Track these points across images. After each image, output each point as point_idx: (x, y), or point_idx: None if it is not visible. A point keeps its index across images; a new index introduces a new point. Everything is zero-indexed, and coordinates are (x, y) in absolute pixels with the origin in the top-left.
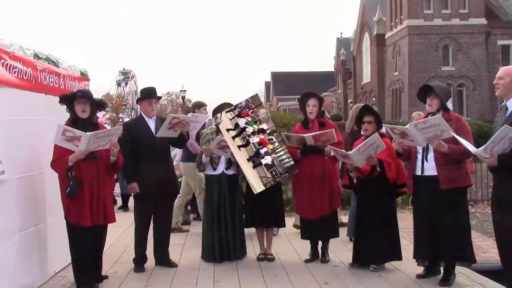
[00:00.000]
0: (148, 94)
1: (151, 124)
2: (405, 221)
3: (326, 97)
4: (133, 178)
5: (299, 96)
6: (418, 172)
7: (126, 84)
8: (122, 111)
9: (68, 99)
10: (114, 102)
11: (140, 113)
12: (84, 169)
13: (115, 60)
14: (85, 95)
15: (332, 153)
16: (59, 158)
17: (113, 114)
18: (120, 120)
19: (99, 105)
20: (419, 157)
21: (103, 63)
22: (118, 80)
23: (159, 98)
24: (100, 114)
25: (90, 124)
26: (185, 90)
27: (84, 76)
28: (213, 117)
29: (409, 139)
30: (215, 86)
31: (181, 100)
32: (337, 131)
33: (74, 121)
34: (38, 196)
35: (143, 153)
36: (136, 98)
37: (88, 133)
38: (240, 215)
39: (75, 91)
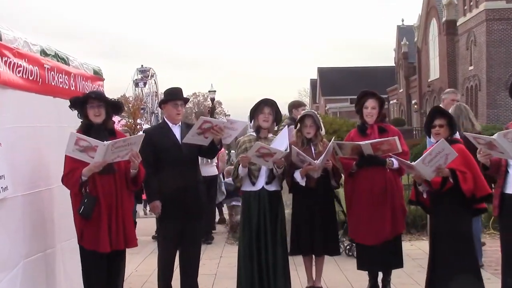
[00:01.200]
0: (173, 96)
1: (176, 131)
2: (485, 248)
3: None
4: (155, 195)
5: (351, 97)
6: (509, 190)
7: (145, 84)
8: (141, 116)
9: (79, 102)
10: (131, 105)
11: (163, 119)
12: (100, 184)
13: (132, 56)
14: (99, 96)
15: (395, 165)
16: (71, 172)
17: (130, 120)
18: (138, 127)
19: (115, 107)
20: (511, 171)
21: (117, 59)
22: (136, 79)
23: (186, 100)
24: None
25: (106, 131)
26: (214, 91)
27: (97, 75)
28: (250, 123)
29: (498, 151)
30: (250, 86)
31: (209, 102)
32: (401, 138)
33: (87, 128)
34: (46, 216)
35: (167, 165)
36: (158, 101)
37: (105, 142)
38: (284, 240)
39: (87, 92)
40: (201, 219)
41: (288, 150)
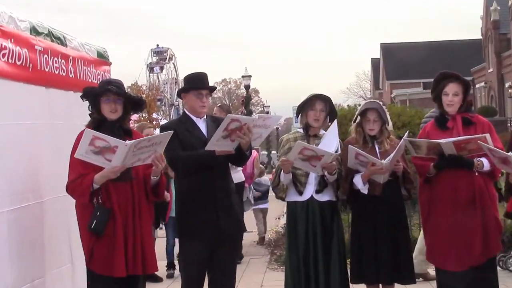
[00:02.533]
0: (197, 83)
1: (202, 125)
2: None
3: None
4: (209, 153)
5: (425, 80)
6: None
7: (161, 68)
8: (157, 109)
9: (93, 94)
10: (144, 96)
11: (183, 111)
12: (115, 194)
13: (145, 33)
14: (119, 89)
15: (486, 167)
16: (80, 178)
17: (144, 115)
18: (154, 123)
19: (136, 104)
20: None
21: (127, 38)
22: (150, 63)
23: (213, 88)
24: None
25: (121, 130)
26: (249, 76)
27: (103, 59)
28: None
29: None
30: (292, 71)
31: (243, 91)
32: (492, 133)
33: (98, 125)
34: (36, 238)
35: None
36: (178, 90)
37: (127, 142)
38: (342, 265)
39: (104, 82)
40: (236, 241)
41: (339, 151)
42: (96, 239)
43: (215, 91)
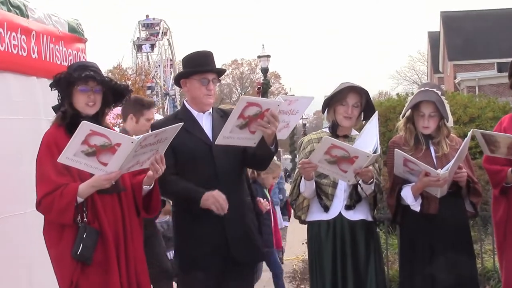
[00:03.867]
0: (201, 64)
1: (206, 123)
2: None
3: None
4: (199, 190)
5: (500, 60)
6: None
7: (152, 47)
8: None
9: (65, 82)
10: (130, 83)
11: (183, 104)
12: (102, 209)
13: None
14: (98, 75)
15: None
16: (59, 191)
17: None
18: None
19: (119, 94)
20: None
21: (106, 7)
22: (138, 39)
23: (221, 72)
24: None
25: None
26: (267, 56)
27: (76, 34)
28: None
29: None
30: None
31: (259, 75)
32: None
33: (69, 121)
34: (17, 259)
35: (191, 180)
36: (175, 75)
37: (135, 137)
38: None
39: (76, 66)
40: (251, 273)
41: (379, 152)
42: (81, 268)
43: (223, 75)
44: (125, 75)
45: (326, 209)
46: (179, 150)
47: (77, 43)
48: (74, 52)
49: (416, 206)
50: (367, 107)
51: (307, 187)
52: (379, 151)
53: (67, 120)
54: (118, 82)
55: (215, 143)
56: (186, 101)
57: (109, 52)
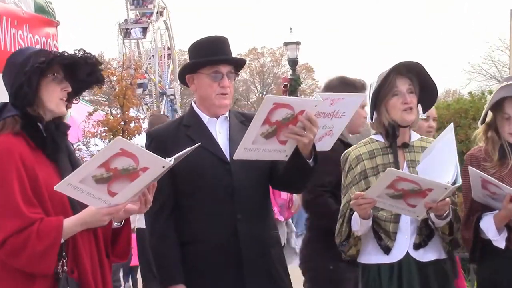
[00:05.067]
0: (212, 53)
1: (221, 131)
2: None
3: None
4: (177, 275)
5: None
6: None
7: (144, 31)
8: (137, 101)
9: (36, 69)
10: (116, 78)
11: (191, 106)
12: (84, 252)
13: None
14: (71, 57)
15: None
16: (33, 228)
17: (115, 111)
18: (132, 125)
19: (83, 82)
20: None
21: None
22: (125, 21)
23: (240, 63)
24: (79, 111)
25: (60, 131)
26: (297, 43)
27: (45, 16)
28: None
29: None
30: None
31: (285, 68)
32: None
33: (33, 126)
34: None
35: (200, 209)
36: (180, 68)
37: (168, 159)
38: None
39: (38, 52)
40: None
41: (460, 181)
42: None
43: (241, 69)
44: (108, 69)
45: (388, 251)
46: (182, 169)
47: (46, 27)
48: (42, 39)
49: (500, 242)
50: (424, 89)
51: (362, 226)
52: (460, 181)
53: (25, 122)
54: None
55: (234, 157)
56: (195, 102)
57: (88, 39)
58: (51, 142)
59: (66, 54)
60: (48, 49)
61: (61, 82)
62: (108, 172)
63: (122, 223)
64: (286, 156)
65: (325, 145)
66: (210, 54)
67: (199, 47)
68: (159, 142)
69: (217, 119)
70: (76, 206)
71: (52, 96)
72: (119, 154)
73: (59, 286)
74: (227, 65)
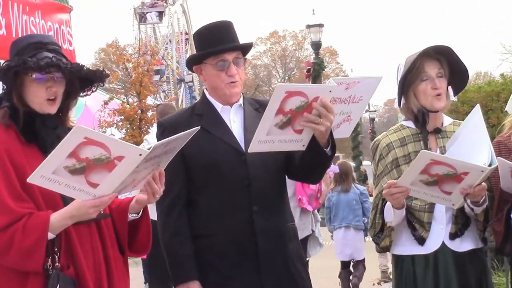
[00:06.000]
0: (215, 41)
1: (235, 119)
2: None
3: None
4: (191, 271)
5: None
6: None
7: (160, 15)
8: (154, 89)
9: (12, 69)
10: (131, 65)
11: (203, 94)
12: (80, 247)
13: None
14: (62, 61)
15: None
16: (19, 223)
17: (132, 99)
18: (150, 114)
19: (88, 80)
20: None
21: None
22: (142, 4)
23: (246, 48)
24: (94, 100)
25: (62, 132)
26: (320, 25)
27: (58, 2)
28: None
29: None
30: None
31: (308, 52)
32: None
33: (25, 125)
34: None
35: (213, 202)
36: (187, 58)
37: (143, 147)
38: None
39: (27, 43)
40: None
41: (495, 162)
42: None
43: (247, 55)
44: (124, 56)
45: (422, 241)
46: (196, 161)
47: (59, 13)
48: (55, 26)
49: None
50: (452, 76)
51: (395, 216)
52: (496, 163)
53: (21, 119)
54: (85, 66)
55: (249, 151)
56: (206, 91)
57: (103, 24)
58: (41, 136)
59: (66, 66)
60: (38, 44)
61: (49, 84)
62: (80, 163)
63: (140, 214)
64: (303, 146)
65: (344, 131)
66: (214, 43)
67: (203, 35)
68: (172, 131)
69: (231, 107)
70: (68, 200)
71: (36, 96)
72: (85, 143)
73: (49, 283)
74: (232, 51)
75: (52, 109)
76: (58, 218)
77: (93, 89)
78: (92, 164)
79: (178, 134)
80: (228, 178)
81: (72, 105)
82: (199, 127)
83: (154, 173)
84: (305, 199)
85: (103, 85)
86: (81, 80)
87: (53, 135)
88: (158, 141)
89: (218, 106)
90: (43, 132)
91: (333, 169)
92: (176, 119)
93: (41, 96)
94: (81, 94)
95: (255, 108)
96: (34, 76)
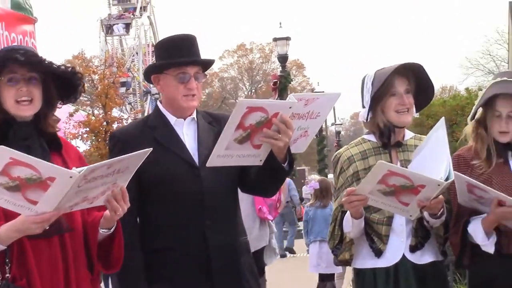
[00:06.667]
0: (177, 53)
1: (188, 132)
2: None
3: None
4: (138, 286)
5: None
6: None
7: (127, 27)
8: (120, 101)
9: None
10: (97, 77)
11: (156, 107)
12: (34, 259)
13: None
14: (30, 57)
15: None
16: None
17: (97, 111)
18: (116, 125)
19: (67, 85)
20: None
21: None
22: (108, 17)
23: (208, 63)
24: (59, 111)
25: (41, 138)
26: (287, 38)
27: (22, 13)
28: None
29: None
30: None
31: (275, 65)
32: None
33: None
34: None
35: (167, 216)
36: (145, 68)
37: (74, 169)
38: None
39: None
40: None
41: (453, 176)
42: None
43: (207, 70)
44: (90, 67)
45: (379, 254)
46: (149, 175)
47: (23, 24)
48: (19, 37)
49: (489, 247)
50: (420, 89)
51: (354, 226)
52: (453, 177)
53: None
54: (60, 65)
55: (207, 165)
56: (161, 102)
57: (69, 37)
58: (14, 147)
59: (38, 61)
60: (17, 48)
61: (23, 85)
62: (13, 181)
63: (113, 230)
64: (261, 161)
65: (300, 147)
66: (177, 54)
67: (166, 46)
68: (123, 144)
69: (184, 120)
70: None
71: (8, 98)
72: (12, 163)
73: None
74: (194, 66)
75: (26, 112)
76: (5, 230)
77: (75, 97)
78: (25, 183)
79: (123, 156)
80: (181, 192)
81: (52, 112)
82: (151, 149)
83: (114, 191)
84: (265, 209)
85: (81, 95)
86: (59, 86)
87: (22, 146)
88: (111, 153)
89: (171, 119)
90: (13, 143)
91: (314, 185)
92: (128, 132)
93: (11, 97)
94: (60, 102)
95: (209, 122)
96: (6, 79)
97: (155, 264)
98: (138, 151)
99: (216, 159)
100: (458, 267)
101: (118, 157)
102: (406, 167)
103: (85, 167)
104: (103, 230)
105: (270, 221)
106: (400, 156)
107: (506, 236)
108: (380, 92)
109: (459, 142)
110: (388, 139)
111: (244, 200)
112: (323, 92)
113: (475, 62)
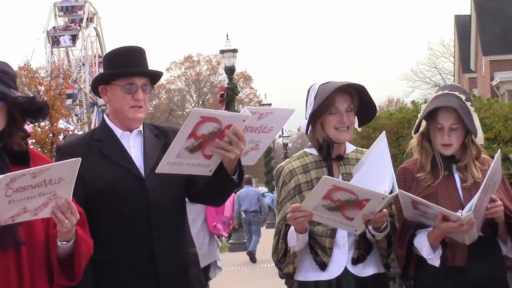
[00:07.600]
0: (125, 64)
1: (134, 145)
2: None
3: None
4: None
5: None
6: None
7: (73, 39)
8: (66, 112)
9: None
10: (43, 89)
11: (103, 120)
12: None
13: None
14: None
15: None
16: None
17: (42, 122)
18: (62, 137)
19: (31, 109)
20: None
21: None
22: (54, 28)
23: (156, 75)
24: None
25: (5, 153)
26: (234, 51)
27: None
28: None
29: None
30: (319, 44)
31: (222, 77)
32: None
33: None
34: None
35: (112, 227)
36: (92, 79)
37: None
38: None
39: None
40: None
41: (396, 190)
42: None
43: (156, 83)
44: (36, 79)
45: (324, 267)
46: (95, 186)
47: None
48: None
49: (435, 260)
50: (363, 107)
51: (299, 241)
52: (396, 190)
53: None
54: (29, 96)
55: (156, 171)
56: (107, 115)
57: (14, 47)
58: None
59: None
60: None
61: None
62: None
63: (72, 241)
64: (211, 171)
65: (250, 159)
66: (125, 65)
67: (114, 57)
68: (69, 157)
69: (131, 133)
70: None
71: None
72: None
73: None
74: (142, 77)
75: None
76: None
77: (42, 117)
78: None
79: (47, 165)
80: (128, 204)
81: (19, 128)
82: (79, 158)
83: (58, 202)
84: (220, 226)
85: (47, 115)
86: (25, 110)
87: None
88: None
89: (118, 131)
90: None
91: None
92: (74, 145)
93: None
94: (27, 122)
95: (155, 135)
96: None
97: (104, 276)
98: (66, 160)
99: (166, 166)
100: (403, 278)
101: (41, 166)
102: (348, 181)
103: (4, 175)
104: (62, 242)
105: (215, 236)
106: (341, 170)
107: (451, 249)
108: (321, 108)
109: (405, 155)
110: (327, 154)
111: (197, 216)
112: (270, 104)
113: (421, 75)
